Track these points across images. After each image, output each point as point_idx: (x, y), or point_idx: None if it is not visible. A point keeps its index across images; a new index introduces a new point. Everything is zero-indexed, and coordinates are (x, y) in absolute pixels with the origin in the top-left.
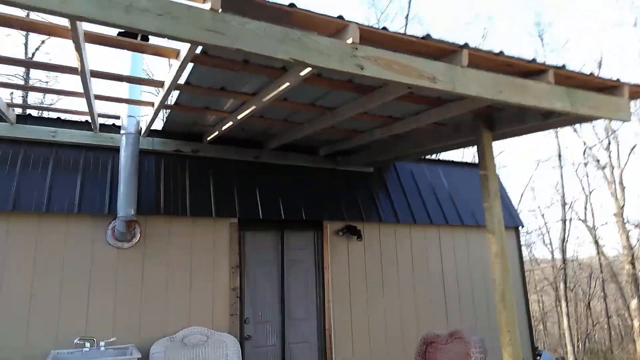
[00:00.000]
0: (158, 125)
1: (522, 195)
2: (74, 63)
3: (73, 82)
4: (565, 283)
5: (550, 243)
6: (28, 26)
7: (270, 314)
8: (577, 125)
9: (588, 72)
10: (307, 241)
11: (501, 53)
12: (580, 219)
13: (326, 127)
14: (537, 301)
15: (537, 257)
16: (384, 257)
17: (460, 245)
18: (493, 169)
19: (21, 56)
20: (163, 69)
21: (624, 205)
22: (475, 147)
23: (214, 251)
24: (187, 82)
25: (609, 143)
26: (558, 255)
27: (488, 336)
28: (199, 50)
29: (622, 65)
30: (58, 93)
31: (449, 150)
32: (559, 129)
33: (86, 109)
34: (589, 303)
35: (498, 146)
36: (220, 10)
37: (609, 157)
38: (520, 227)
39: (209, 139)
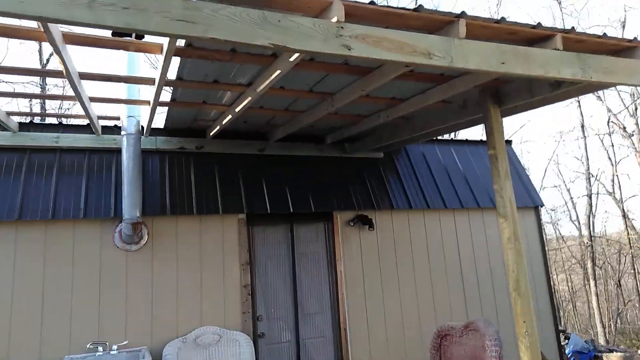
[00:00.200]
0: (161, 123)
1: (545, 171)
2: (85, 67)
3: (90, 87)
4: (593, 261)
5: (578, 219)
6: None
7: (283, 310)
8: (600, 93)
9: (600, 34)
10: (317, 233)
11: (502, 20)
12: (607, 192)
13: (329, 113)
14: (566, 280)
15: (563, 235)
16: (397, 246)
17: (477, 229)
18: (502, 147)
19: (36, 65)
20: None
21: None
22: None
23: (223, 249)
24: (179, 78)
25: (636, 109)
26: (585, 231)
27: (510, 324)
28: (182, 43)
29: None
30: (50, 98)
31: (459, 129)
32: (579, 97)
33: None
34: (619, 281)
35: (519, 120)
36: None
37: (637, 124)
38: (540, 207)
39: (211, 133)
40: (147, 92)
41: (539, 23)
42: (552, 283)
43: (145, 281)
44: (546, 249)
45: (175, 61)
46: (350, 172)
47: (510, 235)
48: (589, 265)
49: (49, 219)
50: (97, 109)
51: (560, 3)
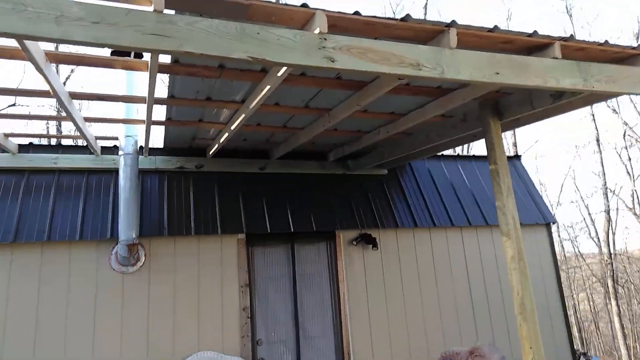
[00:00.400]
0: (161, 143)
1: (562, 186)
2: (91, 85)
3: (92, 107)
4: (614, 279)
5: (597, 236)
6: None
7: (284, 333)
8: (615, 105)
9: (602, 41)
10: (319, 253)
11: (496, 28)
12: (627, 208)
13: (329, 130)
14: (587, 300)
15: (583, 253)
16: (403, 266)
17: (486, 247)
18: (504, 161)
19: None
20: None
21: None
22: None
23: (222, 270)
24: (171, 95)
25: None
26: (605, 249)
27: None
28: (168, 59)
29: None
30: (40, 119)
31: (461, 144)
32: (593, 111)
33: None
34: None
35: (533, 135)
36: (165, 11)
37: None
38: (552, 224)
39: (211, 152)
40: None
41: (535, 31)
42: (572, 302)
43: (142, 304)
44: (559, 267)
45: (166, 79)
46: (353, 190)
47: (514, 255)
48: (610, 284)
49: (44, 240)
50: (99, 129)
51: (571, 16)
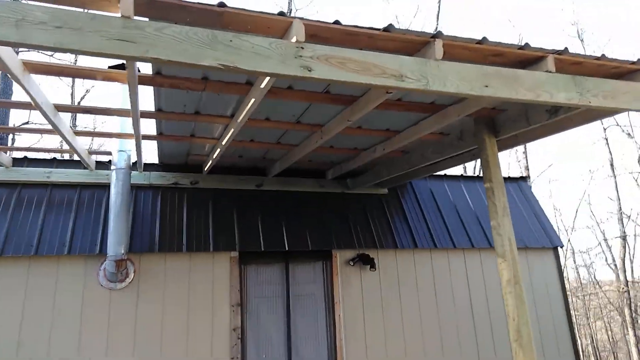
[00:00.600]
0: (156, 158)
1: (577, 211)
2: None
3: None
4: (631, 308)
5: (614, 262)
6: None
7: (276, 356)
8: (629, 128)
9: (599, 55)
10: (315, 273)
11: (485, 40)
12: None
13: (324, 147)
14: (605, 329)
15: (599, 279)
16: (402, 288)
17: (489, 270)
18: (499, 180)
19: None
20: None
21: None
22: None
23: (213, 288)
24: (159, 109)
25: None
26: (622, 276)
27: None
28: (149, 69)
29: None
30: (28, 131)
31: (460, 163)
32: (606, 135)
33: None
34: None
35: (547, 159)
36: (133, 17)
37: None
38: (560, 248)
39: (206, 169)
40: (143, 126)
41: (527, 43)
42: (589, 331)
43: (129, 323)
44: (575, 293)
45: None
46: (351, 209)
47: (510, 278)
48: (627, 312)
49: (31, 254)
50: (99, 143)
51: (582, 40)
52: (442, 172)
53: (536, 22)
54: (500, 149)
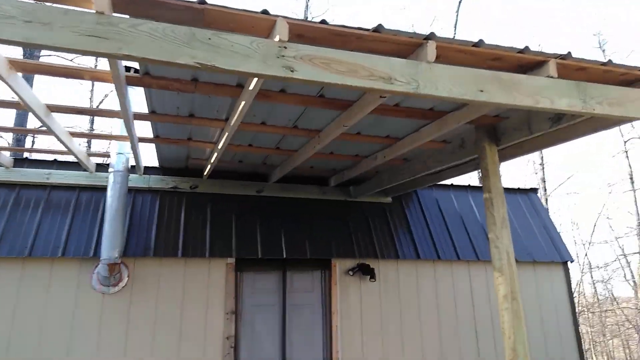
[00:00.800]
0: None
1: (595, 225)
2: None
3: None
4: None
5: (633, 278)
6: None
7: None
8: None
9: (605, 60)
10: (312, 282)
11: (481, 43)
12: None
13: (325, 153)
14: (622, 347)
15: (616, 295)
16: (403, 300)
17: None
18: (499, 190)
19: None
20: None
21: None
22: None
23: (208, 295)
24: (152, 111)
25: None
26: None
27: None
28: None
29: None
30: (24, 132)
31: (463, 172)
32: (627, 147)
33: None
34: None
35: (566, 171)
36: (112, 14)
37: None
38: (570, 262)
39: (205, 173)
40: (143, 129)
41: (527, 47)
42: (606, 349)
43: (120, 328)
44: (582, 308)
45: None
46: (353, 217)
47: (507, 294)
48: None
49: (25, 256)
50: (100, 145)
51: (604, 51)
52: (448, 182)
53: (560, 35)
54: (504, 158)
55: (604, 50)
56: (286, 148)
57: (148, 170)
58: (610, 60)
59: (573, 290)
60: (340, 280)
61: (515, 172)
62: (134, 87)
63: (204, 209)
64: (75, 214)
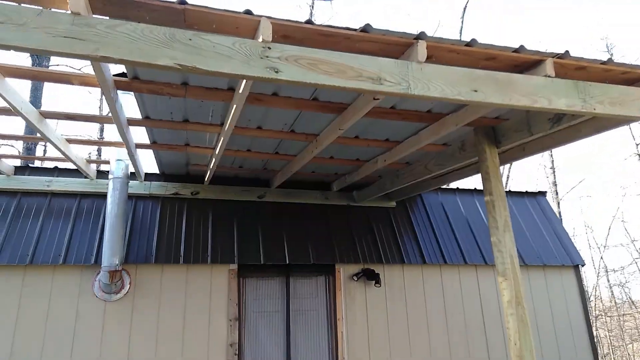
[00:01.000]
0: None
1: (609, 229)
2: None
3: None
4: None
5: None
6: None
7: None
8: None
9: (605, 59)
10: (317, 288)
11: (474, 42)
12: None
13: (325, 157)
14: None
15: (634, 299)
16: (409, 305)
17: None
18: (501, 193)
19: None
20: None
21: None
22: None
23: (210, 302)
24: (146, 117)
25: None
26: None
27: None
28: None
29: None
30: (17, 139)
31: (465, 176)
32: (639, 148)
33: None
34: None
35: (578, 174)
36: (91, 15)
37: None
38: (581, 266)
39: (206, 179)
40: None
41: (522, 46)
42: (625, 353)
43: (123, 335)
44: (607, 313)
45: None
46: (357, 222)
47: (511, 299)
48: None
49: (27, 264)
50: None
51: (612, 55)
52: (454, 185)
53: (568, 41)
54: (506, 161)
55: (611, 54)
56: (285, 153)
57: (149, 176)
58: (610, 59)
59: (589, 294)
60: (345, 286)
61: (528, 177)
62: (125, 92)
63: (206, 215)
64: (76, 222)
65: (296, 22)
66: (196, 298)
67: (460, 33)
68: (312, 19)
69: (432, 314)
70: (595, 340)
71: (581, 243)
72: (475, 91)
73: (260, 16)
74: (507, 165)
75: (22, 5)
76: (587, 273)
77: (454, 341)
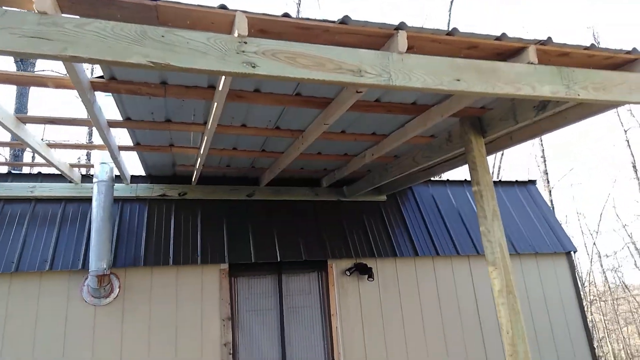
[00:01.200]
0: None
1: (601, 215)
2: None
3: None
4: None
5: None
6: None
7: None
8: None
9: (588, 44)
10: (309, 284)
11: (455, 31)
12: None
13: (312, 153)
14: (638, 333)
15: (627, 283)
16: (403, 298)
17: None
18: (488, 182)
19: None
20: None
21: None
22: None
23: (202, 302)
24: (127, 118)
25: None
26: None
27: None
28: (102, 74)
29: None
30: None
31: (454, 167)
32: (628, 136)
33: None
34: None
35: (568, 163)
36: (60, 14)
37: None
38: (573, 252)
39: (194, 179)
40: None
41: (504, 33)
42: (621, 336)
43: (114, 339)
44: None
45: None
46: (348, 217)
47: (502, 288)
48: None
49: (12, 271)
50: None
51: (599, 43)
52: (444, 177)
53: (555, 32)
54: (494, 150)
55: (598, 43)
56: (272, 150)
57: (135, 178)
58: (593, 44)
59: (583, 280)
60: (338, 281)
61: (520, 167)
62: (103, 93)
63: (194, 216)
64: (61, 227)
65: (273, 15)
66: (187, 299)
67: (448, 26)
68: (290, 13)
69: (426, 305)
70: (591, 325)
71: (574, 230)
72: (458, 80)
73: (235, 10)
74: (498, 156)
75: None
76: (581, 259)
77: (448, 332)
